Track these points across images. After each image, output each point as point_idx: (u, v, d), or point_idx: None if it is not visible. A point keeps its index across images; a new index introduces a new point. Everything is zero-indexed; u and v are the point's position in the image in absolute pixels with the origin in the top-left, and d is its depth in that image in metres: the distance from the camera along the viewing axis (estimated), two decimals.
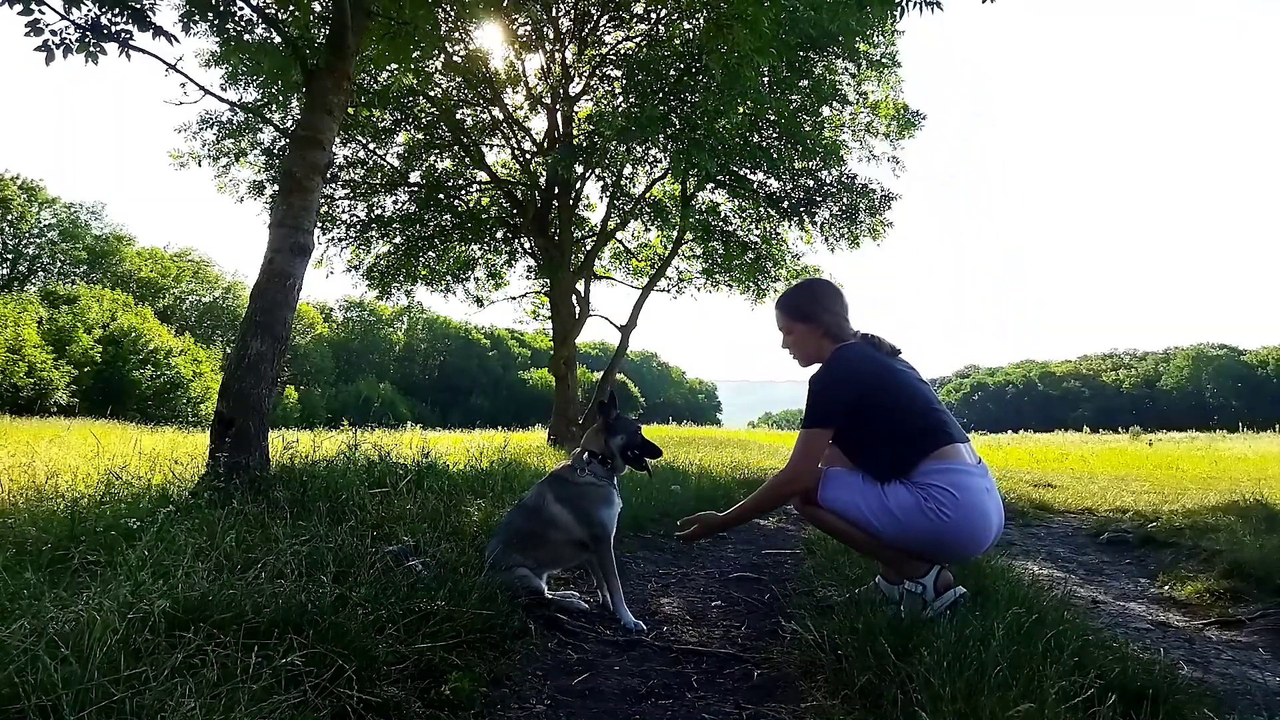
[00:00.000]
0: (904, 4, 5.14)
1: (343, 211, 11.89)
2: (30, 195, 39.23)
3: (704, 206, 11.79)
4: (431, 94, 10.87)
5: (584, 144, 10.35)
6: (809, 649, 1.99)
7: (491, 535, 2.65)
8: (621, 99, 10.14)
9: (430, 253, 12.36)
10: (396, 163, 11.81)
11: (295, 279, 3.96)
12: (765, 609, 2.72)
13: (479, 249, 12.79)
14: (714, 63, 7.49)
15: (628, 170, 11.59)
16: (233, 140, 10.71)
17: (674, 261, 12.50)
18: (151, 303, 38.57)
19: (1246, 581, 3.09)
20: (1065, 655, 1.72)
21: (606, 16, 10.97)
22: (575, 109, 11.20)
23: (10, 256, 39.29)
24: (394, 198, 12.07)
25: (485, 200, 12.64)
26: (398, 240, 12.11)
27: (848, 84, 10.93)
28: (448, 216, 12.17)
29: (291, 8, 5.80)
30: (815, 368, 2.37)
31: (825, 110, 10.76)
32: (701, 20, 8.82)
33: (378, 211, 12.00)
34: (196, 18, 4.82)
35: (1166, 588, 3.33)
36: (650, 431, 2.74)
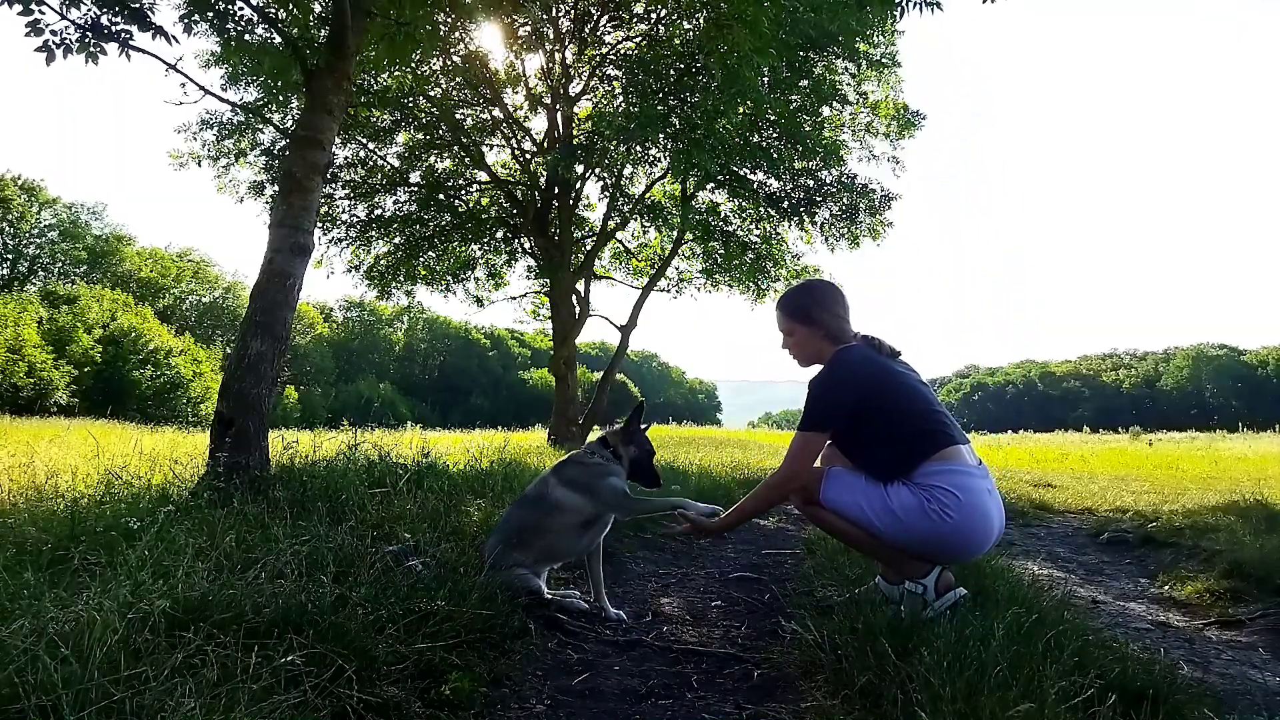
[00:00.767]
0: (904, 4, 5.15)
1: (343, 211, 11.87)
2: (30, 195, 39.20)
3: (704, 206, 11.76)
4: (431, 94, 10.86)
5: (584, 144, 10.35)
6: (809, 649, 1.99)
7: (491, 535, 2.65)
8: (621, 99, 10.13)
9: (430, 253, 12.34)
10: (396, 163, 11.80)
11: (295, 279, 3.96)
12: (765, 609, 2.72)
13: (479, 249, 12.78)
14: (714, 63, 7.49)
15: (628, 170, 11.58)
16: (233, 140, 10.70)
17: (674, 261, 12.48)
18: (151, 303, 38.55)
19: (1246, 581, 3.09)
20: (1065, 655, 1.72)
21: (606, 16, 10.96)
22: (575, 109, 11.19)
23: (10, 256, 39.26)
24: (394, 198, 12.05)
25: (485, 200, 12.63)
26: (398, 240, 12.10)
27: (848, 84, 10.92)
28: (448, 216, 12.16)
29: (291, 8, 5.80)
30: (815, 369, 2.37)
31: (825, 110, 10.75)
32: (701, 20, 8.82)
33: (378, 211, 11.98)
34: (196, 18, 4.82)
35: (1166, 588, 3.33)
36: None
